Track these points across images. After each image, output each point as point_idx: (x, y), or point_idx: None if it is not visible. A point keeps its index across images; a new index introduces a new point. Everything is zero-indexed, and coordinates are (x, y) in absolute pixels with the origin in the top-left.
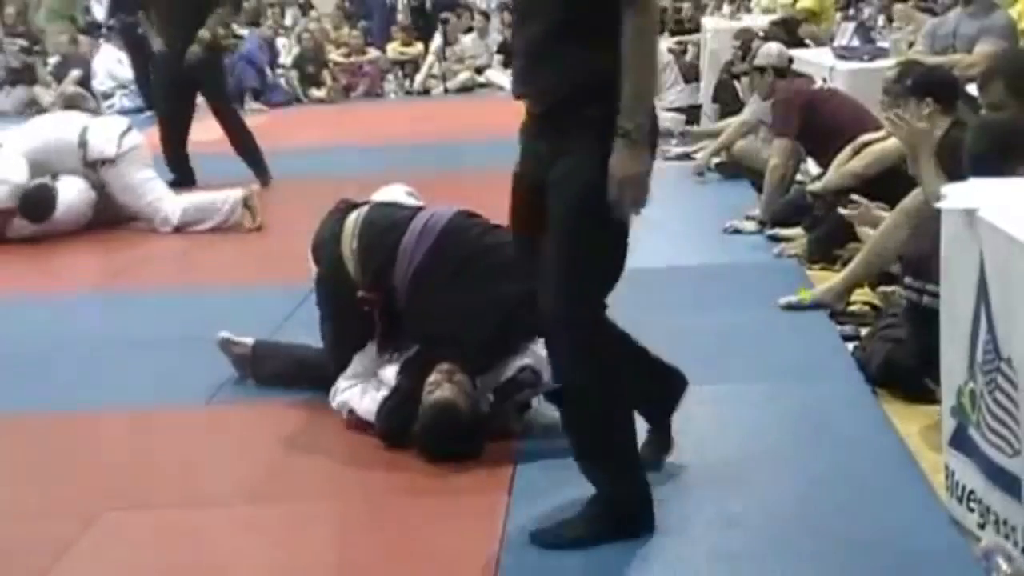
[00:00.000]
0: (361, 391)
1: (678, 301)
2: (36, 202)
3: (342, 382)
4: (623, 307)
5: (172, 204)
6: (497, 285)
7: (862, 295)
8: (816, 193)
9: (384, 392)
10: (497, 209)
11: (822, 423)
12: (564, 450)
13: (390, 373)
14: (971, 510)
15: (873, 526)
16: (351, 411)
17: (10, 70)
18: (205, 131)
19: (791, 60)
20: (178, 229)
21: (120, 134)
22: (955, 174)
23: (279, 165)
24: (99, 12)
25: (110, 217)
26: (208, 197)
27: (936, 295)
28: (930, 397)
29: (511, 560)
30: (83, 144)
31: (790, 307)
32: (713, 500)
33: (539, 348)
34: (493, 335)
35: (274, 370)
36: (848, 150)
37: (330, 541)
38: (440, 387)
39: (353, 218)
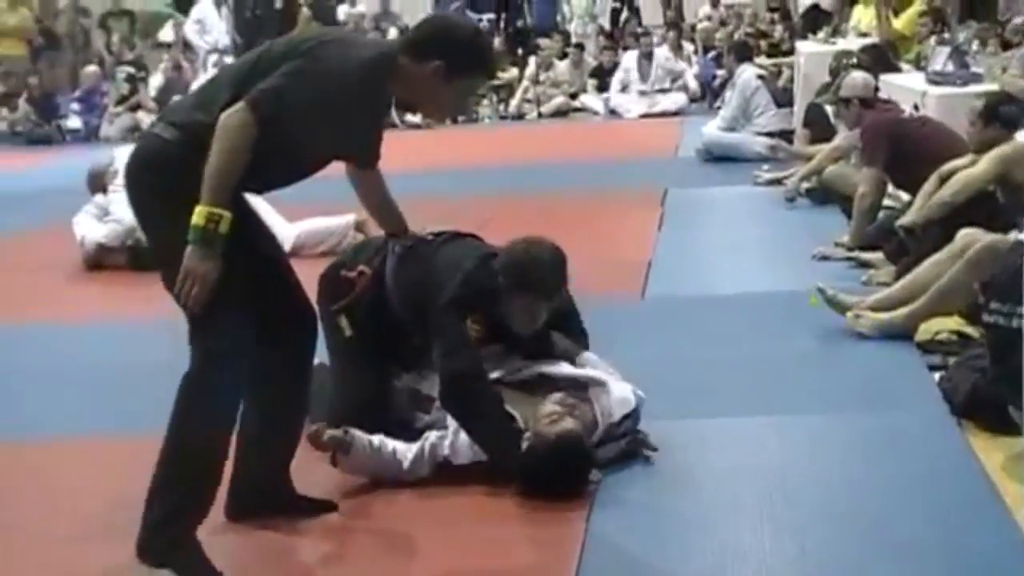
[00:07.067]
0: (437, 438)
1: (769, 327)
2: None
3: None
4: (707, 332)
5: (286, 231)
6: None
7: (951, 323)
8: (907, 227)
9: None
10: (579, 226)
11: (902, 452)
12: (640, 477)
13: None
14: None
15: (951, 558)
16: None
17: (119, 97)
18: None
19: (877, 88)
20: (293, 254)
21: None
22: None
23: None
24: (194, 37)
25: None
26: (322, 222)
27: None
28: (1016, 429)
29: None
30: None
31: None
32: (791, 529)
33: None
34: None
35: None
36: (933, 179)
37: (408, 559)
38: (563, 419)
39: None
